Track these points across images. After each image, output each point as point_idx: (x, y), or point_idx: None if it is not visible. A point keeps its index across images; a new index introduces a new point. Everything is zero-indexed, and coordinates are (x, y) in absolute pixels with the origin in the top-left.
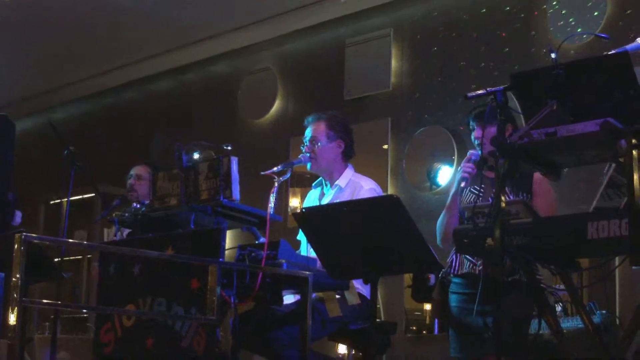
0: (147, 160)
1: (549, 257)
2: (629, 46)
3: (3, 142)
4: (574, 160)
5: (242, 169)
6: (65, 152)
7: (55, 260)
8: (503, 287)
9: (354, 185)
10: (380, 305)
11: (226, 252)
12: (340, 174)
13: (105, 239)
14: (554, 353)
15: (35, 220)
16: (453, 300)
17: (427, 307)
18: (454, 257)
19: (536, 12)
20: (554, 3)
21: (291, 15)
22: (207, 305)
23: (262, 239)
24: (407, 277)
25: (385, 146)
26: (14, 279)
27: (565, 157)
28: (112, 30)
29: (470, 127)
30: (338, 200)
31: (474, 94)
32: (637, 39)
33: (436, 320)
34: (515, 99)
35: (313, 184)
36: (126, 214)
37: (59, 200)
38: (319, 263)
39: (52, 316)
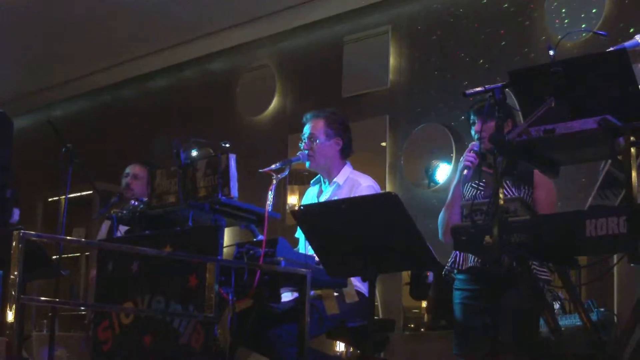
0: (147, 160)
1: (547, 255)
2: (627, 43)
3: (1, 139)
4: (572, 157)
5: (240, 166)
6: (64, 149)
7: (54, 257)
8: (507, 282)
9: (352, 182)
10: (378, 302)
11: (224, 249)
12: (339, 171)
13: (98, 237)
14: (552, 350)
15: (34, 217)
16: (457, 297)
17: (425, 304)
18: (457, 252)
19: (535, 10)
20: (553, 0)
21: (289, 12)
22: (205, 303)
23: (260, 237)
24: (405, 275)
25: (384, 143)
26: (12, 277)
27: (564, 155)
28: (110, 28)
29: (471, 121)
30: (336, 198)
31: (472, 91)
32: (636, 36)
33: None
34: (513, 96)
35: (311, 182)
36: (124, 212)
37: (57, 198)
38: (317, 260)
39: (50, 313)
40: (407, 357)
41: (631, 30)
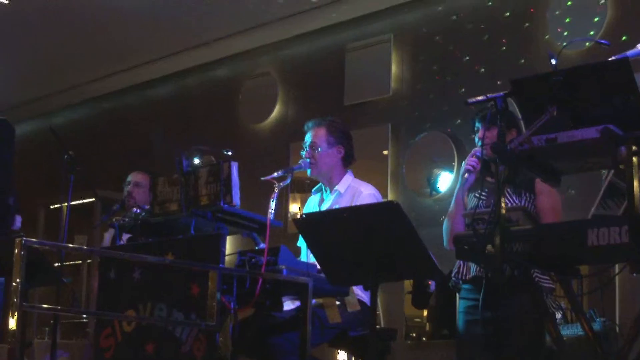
0: (149, 168)
1: (549, 264)
2: (629, 52)
3: (3, 146)
4: (574, 166)
5: (242, 174)
6: (65, 156)
7: (55, 264)
8: (508, 291)
9: (354, 190)
10: (380, 311)
11: (226, 257)
12: (340, 179)
13: (102, 244)
14: None
15: (35, 224)
16: (460, 306)
17: (426, 313)
18: (460, 262)
19: (537, 18)
20: (555, 9)
21: (291, 20)
22: (207, 311)
23: (262, 245)
24: (407, 284)
25: (385, 152)
26: (14, 284)
27: (565, 164)
28: (112, 35)
29: (475, 128)
30: (337, 206)
31: (474, 100)
32: (638, 45)
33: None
34: (515, 105)
35: (313, 190)
36: (126, 219)
37: (58, 205)
38: (318, 269)
39: (51, 321)
40: None
41: (623, 38)
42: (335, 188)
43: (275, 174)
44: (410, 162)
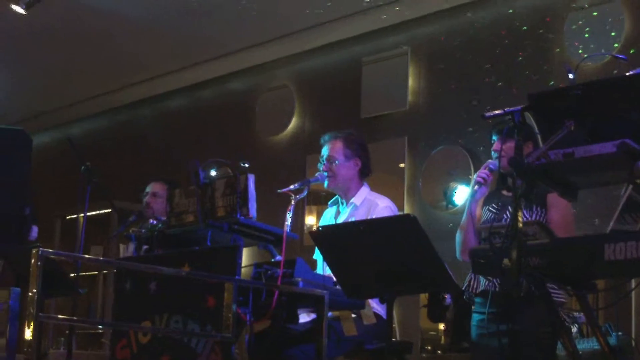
0: (167, 177)
1: (566, 278)
2: None
3: (20, 156)
4: (591, 181)
5: (258, 186)
6: (82, 167)
7: (71, 275)
8: (522, 304)
9: (370, 203)
10: (395, 324)
11: (242, 269)
12: (356, 192)
13: (122, 255)
14: None
15: (51, 235)
16: (473, 320)
17: (443, 326)
18: (472, 276)
19: (554, 32)
20: (572, 23)
21: (308, 33)
22: (223, 323)
23: (278, 257)
24: (423, 297)
25: (402, 165)
26: (30, 294)
27: (582, 178)
28: (129, 47)
29: (492, 141)
30: (353, 219)
31: (491, 114)
32: None
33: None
34: (532, 119)
35: (329, 203)
36: (143, 230)
37: (75, 216)
38: (335, 281)
39: (67, 331)
40: None
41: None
42: (352, 201)
43: (291, 187)
44: (426, 175)
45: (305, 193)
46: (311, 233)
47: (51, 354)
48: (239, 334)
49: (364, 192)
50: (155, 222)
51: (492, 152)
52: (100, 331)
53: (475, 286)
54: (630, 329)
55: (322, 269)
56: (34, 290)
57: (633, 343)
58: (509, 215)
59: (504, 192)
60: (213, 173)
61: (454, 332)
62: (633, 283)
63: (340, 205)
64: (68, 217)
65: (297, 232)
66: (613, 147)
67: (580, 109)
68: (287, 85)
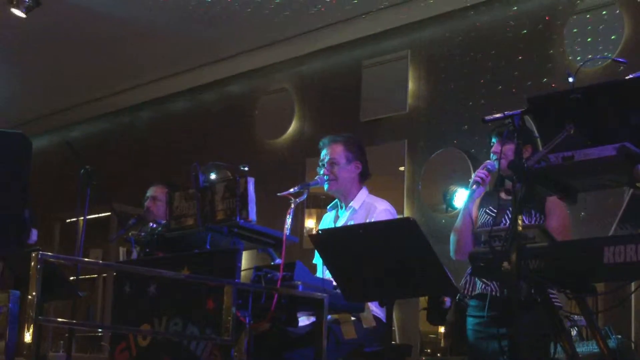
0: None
1: (565, 281)
2: None
3: (19, 159)
4: (591, 184)
5: (258, 189)
6: (82, 171)
7: (71, 278)
8: (523, 308)
9: (368, 206)
10: (395, 327)
11: (242, 272)
12: (356, 195)
13: (121, 258)
14: None
15: (51, 238)
16: (469, 323)
17: (442, 329)
18: (467, 278)
19: (554, 35)
20: (572, 27)
21: (308, 37)
22: (222, 326)
23: (277, 260)
24: (423, 300)
25: (402, 168)
26: (30, 297)
27: (582, 181)
28: (129, 50)
29: (491, 143)
30: (352, 222)
31: (491, 118)
32: None
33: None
34: (532, 122)
35: (328, 207)
36: (142, 234)
37: (74, 219)
38: (334, 285)
39: (66, 334)
40: None
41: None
42: (350, 204)
43: (291, 190)
44: (426, 178)
45: (304, 196)
46: (311, 236)
47: (50, 357)
48: (239, 337)
49: (363, 195)
50: (154, 225)
51: (491, 154)
52: (99, 334)
53: (470, 288)
54: (629, 332)
55: (322, 272)
56: (34, 294)
57: (633, 346)
58: (507, 219)
59: (502, 195)
60: (213, 176)
61: (454, 335)
62: (633, 286)
63: (339, 209)
64: (68, 221)
65: (297, 235)
66: (613, 150)
67: (580, 112)
68: (286, 89)
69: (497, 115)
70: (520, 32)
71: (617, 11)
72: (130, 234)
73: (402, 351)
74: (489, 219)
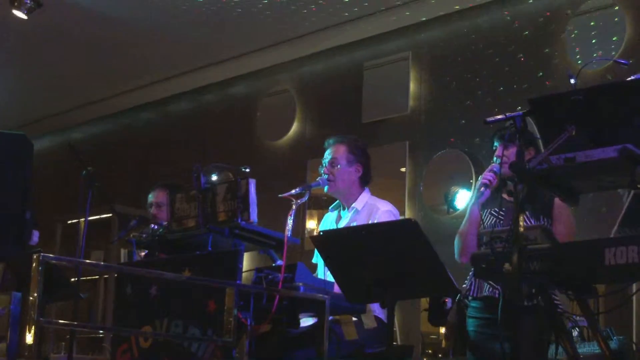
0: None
1: (567, 283)
2: None
3: (21, 161)
4: (593, 185)
5: (259, 191)
6: (83, 172)
7: (72, 280)
8: (526, 310)
9: (371, 207)
10: (396, 328)
11: (243, 274)
12: (357, 197)
13: (122, 260)
14: None
15: (53, 239)
16: (470, 324)
17: (444, 330)
18: (472, 279)
19: (555, 37)
20: (573, 28)
21: (310, 38)
22: (223, 327)
23: (279, 262)
24: (424, 301)
25: (403, 169)
26: (31, 298)
27: (584, 183)
28: (131, 51)
29: (493, 146)
30: (355, 223)
31: (492, 119)
32: None
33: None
34: (533, 124)
35: (330, 207)
36: (144, 235)
37: (76, 220)
38: (336, 286)
39: (68, 336)
40: None
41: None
42: (353, 205)
43: (292, 191)
44: (427, 179)
45: (306, 198)
46: (312, 237)
47: (52, 359)
48: (240, 338)
49: (365, 197)
50: (156, 227)
51: (495, 158)
52: (101, 335)
53: (476, 290)
54: (631, 333)
55: (323, 273)
56: (35, 295)
57: (634, 347)
58: None
59: (505, 197)
60: (214, 178)
61: (456, 335)
62: (634, 287)
63: (342, 210)
64: (69, 222)
65: (298, 236)
66: (614, 152)
67: (581, 113)
68: (288, 90)
69: (499, 117)
70: (521, 34)
71: (619, 12)
72: (131, 235)
73: (403, 352)
74: (494, 220)
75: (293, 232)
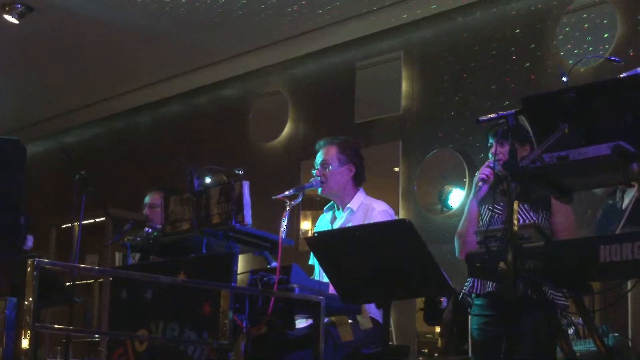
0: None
1: (562, 281)
2: None
3: (14, 166)
4: (586, 183)
5: (253, 193)
6: (77, 176)
7: (67, 284)
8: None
9: (366, 207)
10: (392, 328)
11: (238, 276)
12: (352, 197)
13: (117, 264)
14: None
15: (47, 244)
16: (474, 322)
17: (439, 329)
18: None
19: (547, 35)
20: (565, 26)
21: (301, 39)
22: (219, 330)
23: (274, 264)
24: (419, 300)
25: (397, 169)
26: (26, 304)
27: (577, 181)
28: (123, 55)
29: (489, 144)
30: (350, 223)
31: (485, 118)
32: None
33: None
34: (526, 122)
35: (325, 208)
36: (138, 238)
37: (70, 225)
38: (331, 287)
39: (63, 340)
40: None
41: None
42: (348, 206)
43: (286, 193)
44: (421, 178)
45: (300, 199)
46: (307, 239)
47: None
48: (236, 341)
49: (360, 197)
50: (150, 230)
51: (490, 155)
52: (97, 340)
53: (479, 287)
54: (626, 330)
55: (319, 274)
56: (30, 300)
57: (630, 344)
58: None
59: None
60: (208, 180)
61: (451, 334)
62: (629, 284)
63: (337, 210)
64: (63, 226)
65: (293, 238)
66: (607, 149)
67: (574, 111)
68: (280, 91)
69: (491, 116)
70: (513, 32)
71: (610, 9)
72: (126, 239)
73: (399, 352)
74: (490, 215)
75: (287, 234)
